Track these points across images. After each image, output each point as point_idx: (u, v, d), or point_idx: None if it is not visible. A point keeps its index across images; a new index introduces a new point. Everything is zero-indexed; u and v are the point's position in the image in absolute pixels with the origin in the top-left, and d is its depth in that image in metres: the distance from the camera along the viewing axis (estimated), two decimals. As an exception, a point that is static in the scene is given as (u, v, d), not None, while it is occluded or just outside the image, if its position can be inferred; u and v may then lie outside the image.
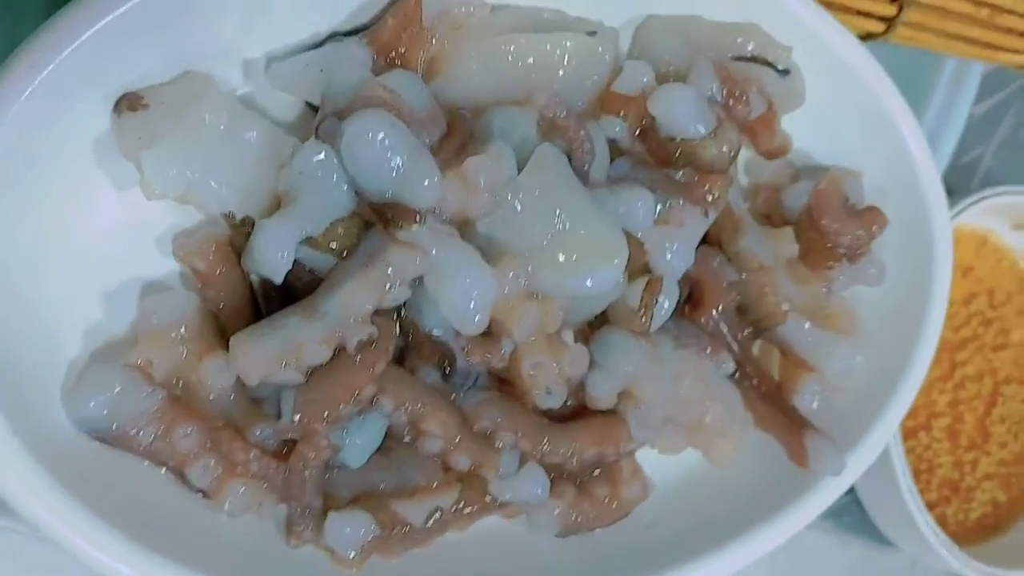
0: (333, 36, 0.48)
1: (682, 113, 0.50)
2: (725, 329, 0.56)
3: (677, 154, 0.51)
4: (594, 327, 0.53)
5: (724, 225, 0.56)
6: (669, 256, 0.51)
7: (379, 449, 0.47)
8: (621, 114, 0.51)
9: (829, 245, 0.57)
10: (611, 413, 0.52)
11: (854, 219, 0.57)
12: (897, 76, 0.69)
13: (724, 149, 0.51)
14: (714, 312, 0.55)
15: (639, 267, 0.52)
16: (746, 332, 0.57)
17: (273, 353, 0.41)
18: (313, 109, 0.48)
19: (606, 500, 0.52)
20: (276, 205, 0.44)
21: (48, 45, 0.39)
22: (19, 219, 0.41)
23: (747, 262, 0.56)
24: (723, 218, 0.55)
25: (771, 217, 0.59)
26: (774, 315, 0.56)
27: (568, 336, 0.53)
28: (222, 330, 0.45)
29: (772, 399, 0.56)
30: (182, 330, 0.43)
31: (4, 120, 0.38)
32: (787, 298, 0.57)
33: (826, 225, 0.57)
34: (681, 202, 0.51)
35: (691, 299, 0.55)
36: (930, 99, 0.78)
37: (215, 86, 0.44)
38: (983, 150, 0.84)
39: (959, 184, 0.82)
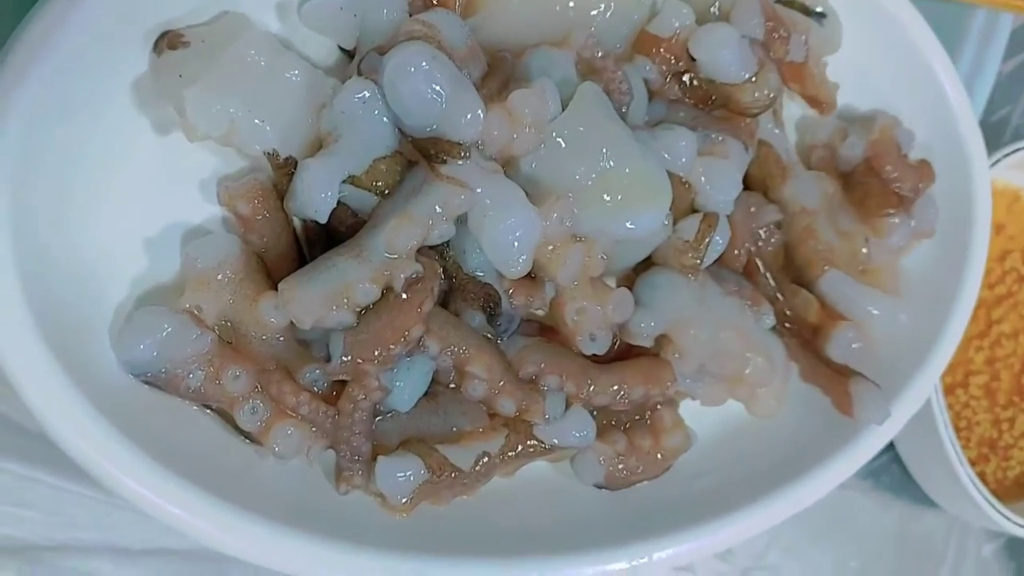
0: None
1: (726, 57, 0.49)
2: (769, 277, 0.55)
3: (714, 95, 0.50)
4: (638, 271, 0.52)
5: (771, 171, 0.55)
6: (717, 186, 0.50)
7: (426, 394, 0.46)
8: (653, 53, 0.49)
9: (889, 191, 0.56)
10: (655, 355, 0.51)
11: (911, 169, 0.57)
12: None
13: (764, 93, 0.50)
14: (739, 251, 0.54)
15: (684, 208, 0.51)
16: (790, 282, 0.57)
17: (324, 295, 0.41)
18: (347, 55, 0.48)
19: (649, 451, 0.51)
20: (318, 146, 0.44)
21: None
22: (62, 165, 0.40)
23: (791, 206, 0.56)
24: (770, 164, 0.55)
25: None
26: (817, 261, 0.56)
27: (611, 282, 0.53)
28: (267, 274, 0.44)
29: (814, 349, 0.55)
30: (228, 273, 0.42)
31: (42, 64, 0.38)
32: (830, 245, 0.56)
33: (889, 171, 0.56)
34: (722, 137, 0.50)
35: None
36: (959, 56, 0.77)
37: (253, 25, 0.43)
38: (1011, 108, 0.83)
39: (988, 143, 0.81)
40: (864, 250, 0.57)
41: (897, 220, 0.56)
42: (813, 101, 0.57)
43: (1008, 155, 0.71)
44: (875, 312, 0.55)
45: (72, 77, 0.39)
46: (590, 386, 0.48)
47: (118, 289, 0.42)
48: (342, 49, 0.48)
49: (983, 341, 0.75)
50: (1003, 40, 0.78)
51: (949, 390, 0.73)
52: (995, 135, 0.82)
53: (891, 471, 0.75)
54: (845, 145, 0.57)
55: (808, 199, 0.56)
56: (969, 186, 0.60)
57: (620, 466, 0.50)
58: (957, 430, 0.73)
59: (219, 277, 0.42)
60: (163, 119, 0.43)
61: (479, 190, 0.43)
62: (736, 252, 0.54)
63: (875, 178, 0.56)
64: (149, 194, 0.43)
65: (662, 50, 0.50)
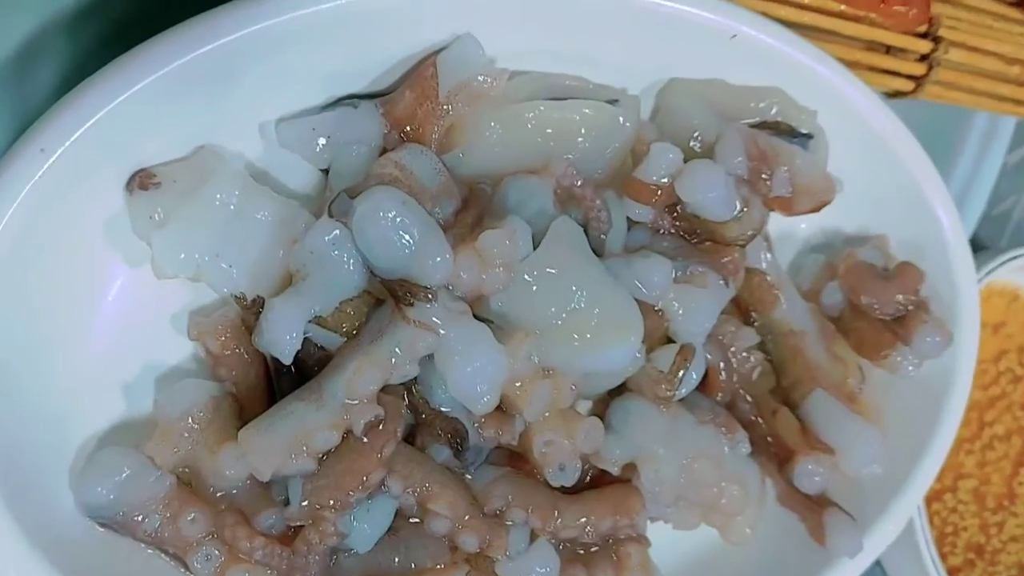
0: (347, 99, 0.47)
1: (711, 197, 0.48)
2: (748, 400, 0.55)
3: (700, 228, 0.50)
4: (613, 394, 0.52)
5: (762, 297, 0.54)
6: (690, 315, 0.50)
7: (388, 529, 0.46)
8: (644, 198, 0.49)
9: (880, 328, 0.55)
10: (625, 482, 0.51)
11: (891, 284, 0.56)
12: (928, 125, 0.68)
13: (748, 231, 0.50)
14: (719, 394, 0.53)
15: (658, 335, 0.51)
16: (773, 406, 0.56)
17: (283, 443, 0.41)
18: (327, 174, 0.48)
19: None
20: (288, 281, 0.44)
21: (55, 130, 0.38)
22: (32, 300, 0.41)
23: (779, 328, 0.55)
24: (761, 291, 0.54)
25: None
26: (805, 380, 0.55)
27: (584, 404, 0.53)
28: (239, 412, 0.44)
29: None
30: (194, 421, 0.43)
31: (15, 202, 0.38)
32: (819, 366, 0.55)
33: (868, 302, 0.55)
34: (703, 270, 0.50)
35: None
36: (962, 148, 0.77)
37: (227, 163, 0.43)
38: (1016, 199, 0.82)
39: (991, 235, 0.81)
40: (851, 380, 0.56)
41: (899, 357, 0.55)
42: (811, 211, 0.56)
43: (1008, 261, 0.70)
44: (855, 443, 0.54)
45: (41, 221, 0.40)
46: (557, 519, 0.48)
47: (83, 429, 0.43)
48: (324, 171, 0.48)
49: (974, 444, 0.74)
50: (1008, 131, 0.77)
51: (936, 495, 0.72)
52: (1000, 226, 0.81)
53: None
54: (825, 294, 0.56)
55: (797, 320, 0.56)
56: (957, 301, 0.59)
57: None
58: (943, 536, 0.72)
59: (185, 425, 0.43)
60: (137, 252, 0.43)
61: (444, 332, 0.43)
62: (720, 375, 0.53)
63: (862, 319, 0.55)
64: (121, 330, 0.44)
65: (653, 195, 0.50)
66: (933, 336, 0.55)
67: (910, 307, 0.56)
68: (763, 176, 0.50)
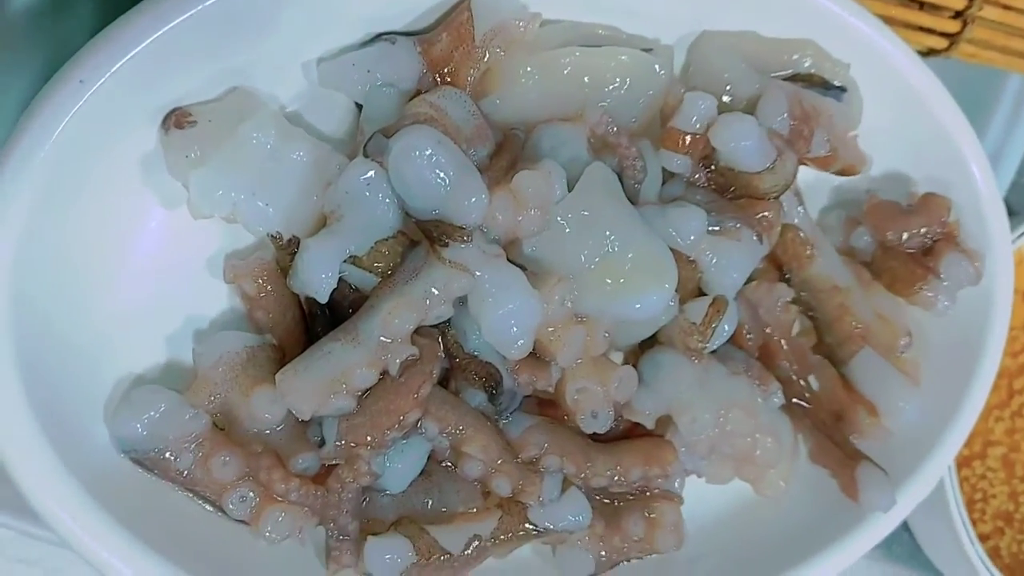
0: (385, 35, 0.47)
1: (744, 148, 0.48)
2: (789, 354, 0.54)
3: (734, 182, 0.49)
4: (644, 347, 0.52)
5: (797, 252, 0.54)
6: (724, 267, 0.50)
7: (421, 472, 0.46)
8: (684, 150, 0.49)
9: (910, 263, 0.55)
10: (659, 436, 0.50)
11: (915, 216, 0.56)
12: (959, 91, 0.67)
13: (782, 179, 0.49)
14: (751, 333, 0.53)
15: (691, 287, 0.51)
16: (812, 360, 0.56)
17: (321, 384, 0.41)
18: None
19: (639, 540, 0.50)
20: (323, 223, 0.44)
21: (94, 62, 0.38)
22: (69, 236, 0.41)
23: (820, 284, 0.55)
24: (796, 245, 0.54)
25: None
26: (852, 339, 0.55)
27: (617, 357, 0.52)
28: (281, 357, 0.44)
29: (827, 430, 0.54)
30: (231, 368, 0.43)
31: (51, 139, 0.38)
32: (868, 325, 0.55)
33: (892, 238, 0.55)
34: (737, 224, 0.50)
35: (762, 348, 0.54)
36: (993, 115, 0.76)
37: (262, 103, 0.43)
38: (1046, 168, 0.81)
39: (1022, 203, 0.80)
40: (903, 342, 0.55)
41: (930, 292, 0.55)
42: (841, 173, 0.56)
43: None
44: (901, 403, 0.54)
45: (79, 156, 0.39)
46: (589, 466, 0.48)
47: (118, 367, 0.43)
48: (358, 106, 0.48)
49: (1004, 411, 0.73)
50: (1039, 99, 0.76)
51: (966, 462, 0.72)
52: (1027, 196, 0.81)
53: (902, 540, 0.74)
54: (854, 237, 0.56)
55: (839, 276, 0.55)
56: (991, 259, 0.58)
57: (602, 552, 0.50)
58: (972, 502, 0.71)
59: (222, 372, 0.43)
60: (172, 193, 0.43)
61: (479, 274, 0.43)
62: (748, 334, 0.53)
63: (892, 258, 0.55)
64: (156, 271, 0.44)
65: (688, 143, 0.49)
66: (961, 263, 0.55)
67: (937, 238, 0.55)
68: (802, 135, 0.50)
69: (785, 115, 0.49)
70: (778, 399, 0.52)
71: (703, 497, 0.55)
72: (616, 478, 0.48)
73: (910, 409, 0.53)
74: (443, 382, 0.47)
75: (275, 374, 0.42)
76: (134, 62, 0.39)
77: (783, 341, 0.54)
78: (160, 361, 0.44)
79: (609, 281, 0.46)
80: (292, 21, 0.44)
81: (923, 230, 0.54)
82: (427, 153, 0.42)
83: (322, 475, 0.44)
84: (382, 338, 0.42)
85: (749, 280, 0.53)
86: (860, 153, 0.54)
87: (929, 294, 0.54)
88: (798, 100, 0.50)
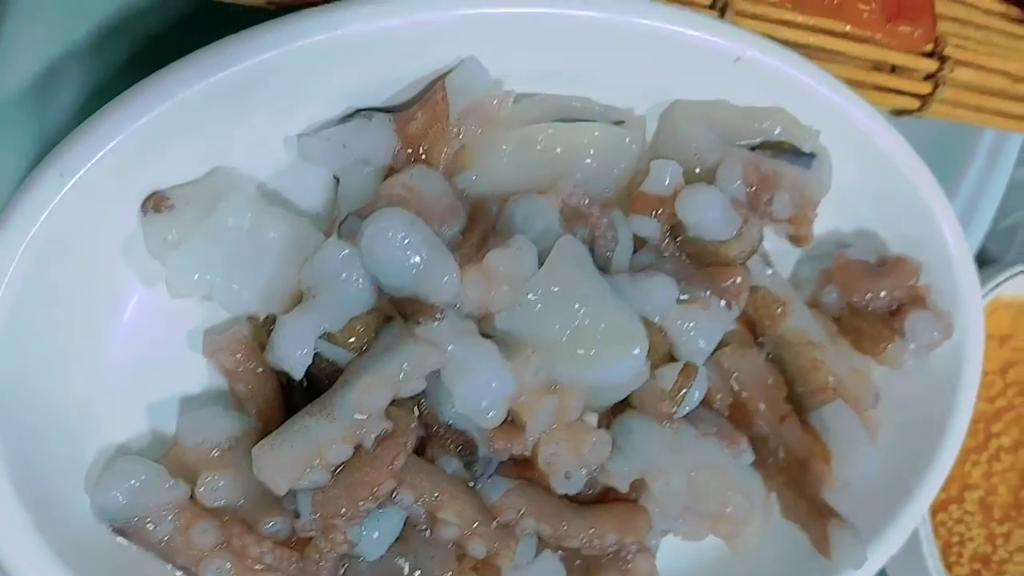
0: (363, 111, 0.48)
1: (709, 218, 0.50)
2: (765, 414, 0.55)
3: (701, 251, 0.51)
4: (616, 411, 0.53)
5: (769, 311, 0.55)
6: (691, 336, 0.51)
7: (397, 538, 0.47)
8: (653, 214, 0.50)
9: (876, 323, 0.56)
10: (633, 501, 0.52)
11: (883, 278, 0.57)
12: (936, 137, 0.69)
13: (748, 246, 0.50)
14: (720, 395, 0.55)
15: (661, 354, 0.52)
16: (783, 414, 0.57)
17: (297, 459, 0.42)
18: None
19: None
20: (300, 298, 0.45)
21: (74, 155, 0.40)
22: (52, 316, 0.42)
23: (796, 338, 0.56)
24: (767, 304, 0.55)
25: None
26: (825, 390, 0.56)
27: (592, 419, 0.54)
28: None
29: (798, 487, 0.55)
30: (214, 450, 0.45)
31: (35, 226, 0.40)
32: (841, 379, 0.56)
33: (859, 299, 0.56)
34: (707, 293, 0.51)
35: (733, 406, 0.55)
36: (970, 161, 0.77)
37: (240, 185, 0.45)
38: (1023, 214, 0.83)
39: (999, 249, 0.81)
40: (868, 398, 0.57)
41: (895, 351, 0.56)
42: (794, 236, 0.57)
43: (1015, 276, 0.70)
44: (860, 459, 0.55)
45: (60, 242, 0.41)
46: (563, 527, 0.49)
47: (100, 438, 0.44)
48: (336, 179, 0.49)
49: (980, 455, 0.74)
50: (1016, 145, 0.78)
51: (942, 506, 0.73)
52: (1007, 240, 0.82)
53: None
54: (824, 293, 0.57)
55: (812, 331, 0.56)
56: (962, 318, 0.59)
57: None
58: (949, 546, 0.72)
59: (204, 451, 0.44)
60: (152, 272, 0.44)
61: (451, 349, 0.44)
62: (717, 395, 0.54)
63: (859, 318, 0.56)
64: (138, 345, 0.45)
65: (658, 209, 0.51)
66: (928, 322, 0.56)
67: (905, 299, 0.56)
68: (762, 200, 0.51)
69: (740, 182, 0.51)
70: (748, 457, 0.54)
71: (679, 552, 0.56)
72: (590, 542, 0.50)
73: (865, 467, 0.54)
74: (420, 450, 0.48)
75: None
76: (113, 153, 0.40)
77: (760, 404, 0.55)
78: (141, 432, 0.46)
79: (581, 351, 0.47)
80: (272, 100, 0.45)
81: (891, 292, 0.55)
82: (400, 235, 0.43)
83: (300, 543, 0.45)
84: (357, 415, 0.43)
85: (722, 341, 0.54)
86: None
87: (895, 353, 0.55)
88: (755, 166, 0.51)
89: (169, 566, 0.44)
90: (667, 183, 0.50)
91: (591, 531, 0.50)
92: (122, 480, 0.43)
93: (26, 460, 0.41)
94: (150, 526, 0.43)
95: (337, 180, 0.49)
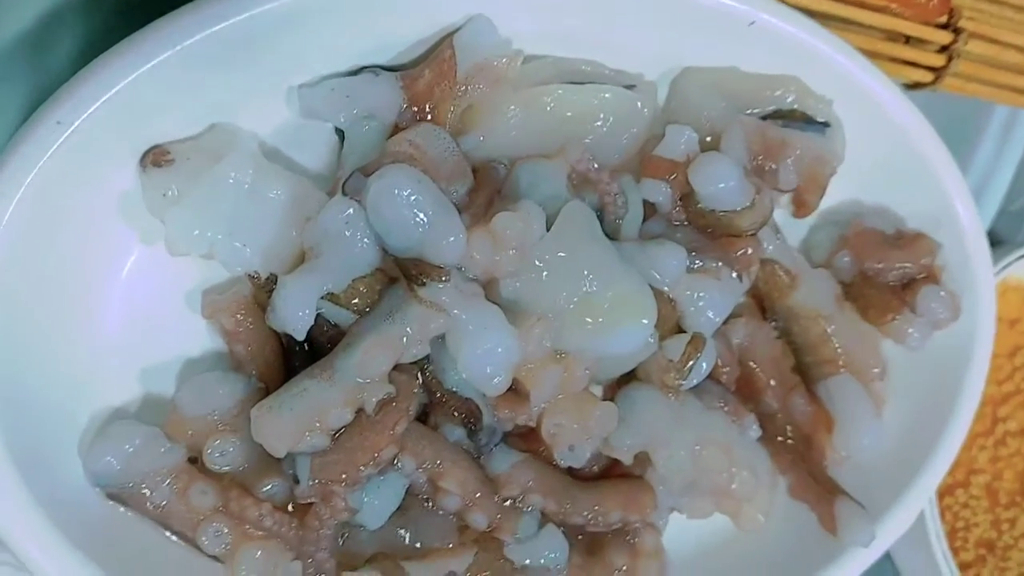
0: (369, 68, 0.47)
1: (722, 188, 0.49)
2: (776, 390, 0.54)
3: (713, 221, 0.50)
4: (622, 382, 0.52)
5: (778, 283, 0.54)
6: (701, 306, 0.50)
7: (398, 508, 0.46)
8: (667, 178, 0.49)
9: (886, 293, 0.55)
10: (639, 478, 0.50)
11: (899, 251, 0.56)
12: (946, 119, 0.67)
13: (759, 219, 0.49)
14: (729, 367, 0.53)
15: (670, 325, 0.51)
16: (791, 382, 0.56)
17: (296, 422, 0.41)
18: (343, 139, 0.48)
19: (621, 571, 0.50)
20: (302, 258, 0.44)
21: (72, 103, 0.38)
22: (48, 271, 0.41)
23: (805, 312, 0.55)
24: (776, 277, 0.54)
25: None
26: (833, 362, 0.55)
27: (597, 391, 0.53)
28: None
29: (806, 464, 0.54)
30: (217, 416, 0.43)
31: (32, 173, 0.38)
32: (848, 350, 0.55)
33: (872, 267, 0.55)
34: (718, 264, 0.50)
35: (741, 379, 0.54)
36: (980, 143, 0.76)
37: (241, 141, 0.43)
38: (1034, 196, 0.82)
39: (1008, 231, 0.80)
40: (876, 371, 0.56)
41: (902, 324, 0.55)
42: (798, 201, 0.56)
43: (1021, 258, 0.69)
44: (863, 430, 0.54)
45: (57, 195, 0.40)
46: (568, 505, 0.48)
47: (96, 400, 0.43)
48: (340, 139, 0.48)
49: (987, 439, 0.73)
50: (1026, 126, 0.76)
51: (948, 490, 0.72)
52: (1016, 223, 0.81)
53: (884, 571, 0.74)
54: (837, 259, 0.56)
55: (822, 302, 0.55)
56: (973, 292, 0.58)
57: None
58: (955, 531, 0.71)
59: (206, 419, 0.43)
60: (151, 229, 0.43)
61: (456, 313, 0.43)
62: (724, 367, 0.53)
63: (870, 286, 0.55)
64: (136, 305, 0.44)
65: (672, 174, 0.50)
66: (938, 301, 0.55)
67: (918, 275, 0.55)
68: (767, 168, 0.50)
69: (744, 151, 0.50)
70: (754, 432, 0.53)
71: (685, 529, 0.54)
72: (595, 519, 0.49)
73: (869, 440, 0.53)
74: (423, 417, 0.47)
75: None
76: (112, 102, 0.39)
77: (770, 379, 0.54)
78: (138, 394, 0.44)
79: (588, 320, 0.46)
80: (275, 55, 0.44)
81: (905, 266, 0.54)
82: (406, 193, 0.42)
83: (300, 509, 0.44)
84: (358, 378, 0.42)
85: (732, 313, 0.53)
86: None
87: (901, 326, 0.54)
88: (760, 134, 0.50)
89: (167, 533, 0.42)
90: (682, 148, 0.49)
91: (596, 508, 0.49)
92: (116, 444, 0.42)
93: (20, 422, 0.40)
94: (146, 491, 0.41)
95: (341, 137, 0.48)
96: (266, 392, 0.44)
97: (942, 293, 0.54)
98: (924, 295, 0.54)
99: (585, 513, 0.49)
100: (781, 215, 0.56)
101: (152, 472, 0.42)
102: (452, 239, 0.43)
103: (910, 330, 0.54)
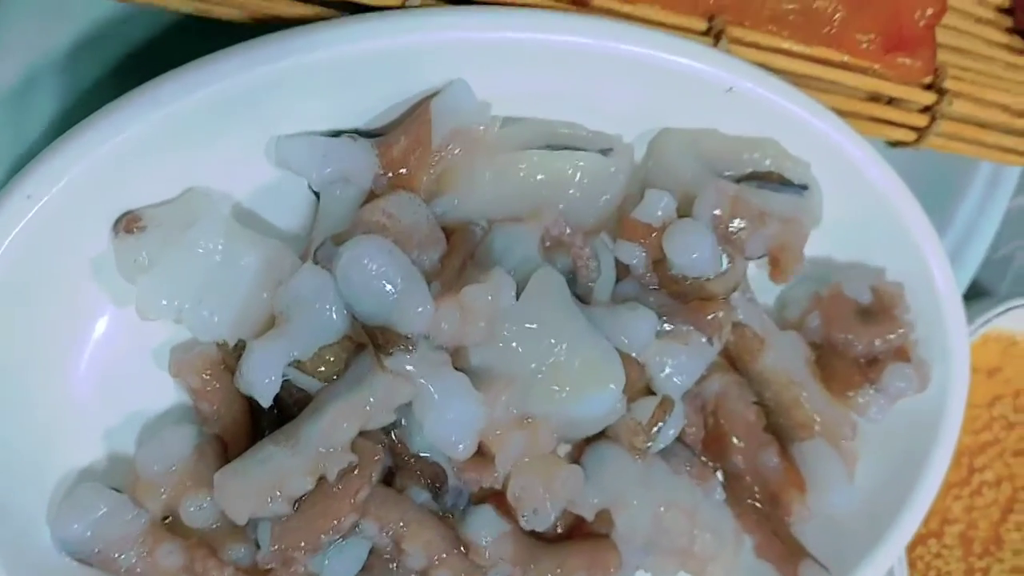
0: (348, 132, 0.47)
1: (695, 258, 0.49)
2: (744, 451, 0.55)
3: (685, 287, 0.50)
4: (590, 440, 0.52)
5: (748, 346, 0.55)
6: (670, 371, 0.51)
7: (362, 568, 0.47)
8: (643, 241, 0.50)
9: (851, 367, 0.55)
10: (603, 537, 0.51)
11: (869, 326, 0.56)
12: (931, 171, 0.68)
13: (731, 284, 0.50)
14: (694, 428, 0.54)
15: (639, 388, 0.51)
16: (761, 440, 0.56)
17: (258, 489, 0.42)
18: (318, 196, 0.48)
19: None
20: (271, 322, 0.44)
21: (41, 176, 0.39)
22: (18, 334, 0.41)
23: (775, 377, 0.55)
24: (746, 340, 0.54)
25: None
26: (807, 427, 0.55)
27: (562, 450, 0.53)
28: (224, 448, 0.45)
29: (771, 524, 0.55)
30: (177, 471, 0.44)
31: (1, 249, 0.39)
32: (821, 413, 0.55)
33: (839, 340, 0.56)
34: (688, 329, 0.50)
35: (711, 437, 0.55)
36: (966, 191, 0.76)
37: (213, 208, 0.44)
38: (1019, 244, 0.82)
39: (992, 279, 0.80)
40: (846, 429, 0.56)
41: (862, 398, 0.56)
42: (774, 265, 0.56)
43: (1006, 312, 0.70)
44: (835, 495, 0.54)
45: (29, 261, 0.40)
46: (532, 567, 0.48)
47: (63, 462, 0.43)
48: (316, 197, 0.48)
49: (963, 490, 0.74)
50: (1013, 176, 0.76)
51: (921, 540, 0.72)
52: (1000, 271, 0.81)
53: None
54: (808, 319, 0.56)
55: (792, 367, 0.56)
56: (947, 357, 0.59)
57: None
58: (926, 581, 0.72)
59: (167, 476, 0.44)
60: (123, 292, 0.44)
61: (422, 382, 0.43)
62: (690, 428, 0.53)
63: (836, 356, 0.55)
64: (105, 365, 0.44)
65: (647, 237, 0.50)
66: (904, 380, 0.55)
67: (884, 354, 0.56)
68: (738, 235, 0.51)
69: (718, 213, 0.50)
70: (718, 495, 0.53)
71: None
72: (559, 581, 0.49)
73: (843, 502, 0.54)
74: (389, 479, 0.47)
75: (218, 468, 0.43)
76: (84, 174, 0.39)
77: (737, 439, 0.55)
78: (106, 454, 0.45)
79: (556, 388, 0.47)
80: (251, 119, 0.44)
81: (872, 342, 0.55)
82: (375, 264, 0.42)
83: (263, 573, 0.45)
84: (321, 448, 0.42)
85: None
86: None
87: (861, 401, 0.55)
88: (736, 199, 0.51)
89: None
90: (659, 214, 0.50)
91: (558, 571, 0.49)
92: (83, 512, 0.42)
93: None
94: (114, 555, 0.42)
95: (317, 198, 0.48)
96: (224, 447, 0.45)
97: (908, 371, 0.54)
98: (890, 373, 0.54)
99: (552, 573, 0.49)
100: (757, 271, 0.56)
101: (119, 539, 0.42)
102: (420, 309, 0.43)
103: (870, 406, 0.55)
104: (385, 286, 0.43)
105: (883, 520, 0.58)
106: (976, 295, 0.76)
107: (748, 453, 0.55)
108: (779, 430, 0.57)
